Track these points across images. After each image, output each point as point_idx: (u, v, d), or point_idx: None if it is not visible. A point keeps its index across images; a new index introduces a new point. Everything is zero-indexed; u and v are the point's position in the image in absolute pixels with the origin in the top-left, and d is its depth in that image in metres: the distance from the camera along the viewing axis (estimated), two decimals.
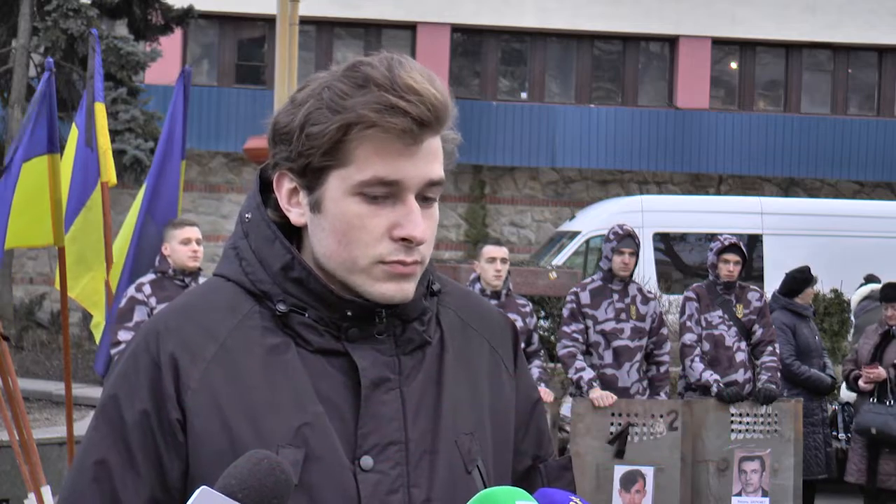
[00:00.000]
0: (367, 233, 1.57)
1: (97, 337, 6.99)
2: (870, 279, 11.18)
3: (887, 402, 8.33)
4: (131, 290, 6.28)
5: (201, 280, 6.17)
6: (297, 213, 1.63)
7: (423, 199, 1.60)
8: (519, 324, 7.40)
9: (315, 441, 1.55)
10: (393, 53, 1.58)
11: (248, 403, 1.56)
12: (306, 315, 1.60)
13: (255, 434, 1.54)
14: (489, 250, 7.44)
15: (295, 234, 1.67)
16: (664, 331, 7.60)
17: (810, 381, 8.64)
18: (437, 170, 1.60)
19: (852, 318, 11.46)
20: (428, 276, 1.68)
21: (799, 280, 9.04)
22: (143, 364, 1.58)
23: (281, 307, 1.60)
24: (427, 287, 1.68)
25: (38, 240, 6.35)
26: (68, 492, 1.60)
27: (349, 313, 1.60)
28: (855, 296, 10.93)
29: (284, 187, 1.63)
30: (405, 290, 1.60)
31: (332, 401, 1.58)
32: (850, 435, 9.02)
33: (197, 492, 1.38)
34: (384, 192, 1.57)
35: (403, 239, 1.57)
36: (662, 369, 7.55)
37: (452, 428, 1.64)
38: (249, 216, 1.67)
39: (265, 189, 1.69)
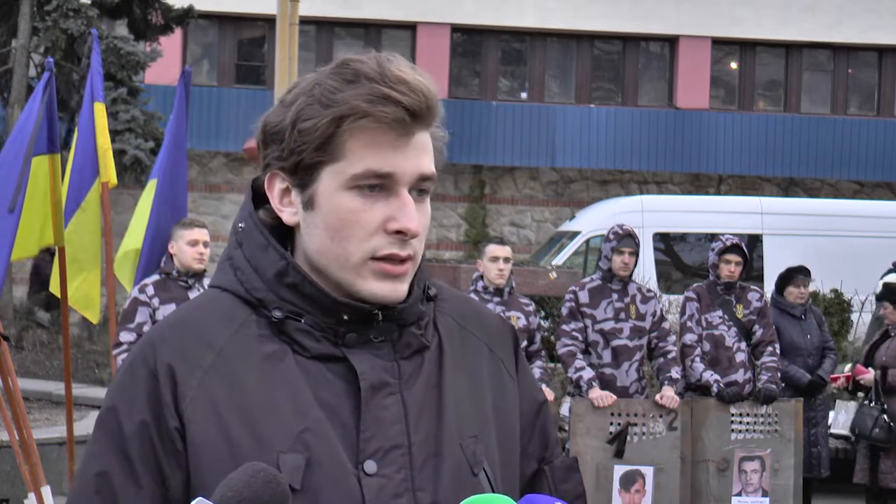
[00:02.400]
0: (360, 227, 1.56)
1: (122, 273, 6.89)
2: None
3: (869, 402, 8.35)
4: (135, 292, 6.26)
5: (206, 282, 6.16)
6: (289, 213, 1.62)
7: (417, 193, 1.59)
8: (522, 322, 7.40)
9: (316, 446, 1.54)
10: (383, 53, 1.59)
11: (246, 410, 1.55)
12: (303, 321, 1.59)
13: (255, 440, 1.53)
14: (493, 249, 7.42)
15: (289, 238, 1.66)
16: (666, 325, 7.58)
17: (786, 376, 8.37)
18: (428, 164, 1.60)
19: (871, 304, 11.24)
20: (424, 280, 1.67)
21: (781, 278, 9.03)
22: (141, 375, 1.57)
23: (277, 314, 1.59)
24: (423, 292, 1.67)
25: (33, 248, 6.32)
26: None
27: (345, 317, 1.59)
28: (881, 282, 10.65)
29: (276, 187, 1.62)
30: (398, 290, 1.59)
31: (333, 406, 1.57)
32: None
33: (193, 503, 1.39)
34: (377, 186, 1.57)
35: (398, 232, 1.57)
36: (670, 356, 7.47)
37: (456, 431, 1.62)
38: (243, 226, 1.66)
39: (259, 199, 1.68)
